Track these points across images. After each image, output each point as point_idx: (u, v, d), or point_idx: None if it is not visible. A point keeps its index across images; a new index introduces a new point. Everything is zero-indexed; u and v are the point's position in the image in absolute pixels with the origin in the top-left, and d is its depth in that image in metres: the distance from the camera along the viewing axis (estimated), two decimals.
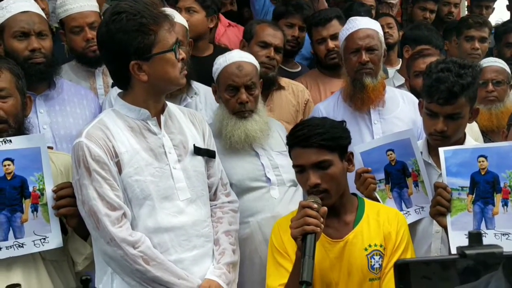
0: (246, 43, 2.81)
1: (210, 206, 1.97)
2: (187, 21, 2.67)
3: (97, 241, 1.76)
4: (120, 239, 1.70)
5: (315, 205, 1.59)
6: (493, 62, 2.96)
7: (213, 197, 2.00)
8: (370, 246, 1.77)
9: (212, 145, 2.01)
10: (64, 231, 1.85)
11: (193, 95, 2.54)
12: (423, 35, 3.27)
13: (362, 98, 2.45)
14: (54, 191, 1.80)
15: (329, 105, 2.59)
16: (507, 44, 3.68)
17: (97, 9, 2.71)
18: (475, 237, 0.83)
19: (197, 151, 1.90)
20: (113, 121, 1.80)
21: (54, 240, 1.80)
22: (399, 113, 2.49)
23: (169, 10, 1.94)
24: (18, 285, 1.11)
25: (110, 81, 2.65)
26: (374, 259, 1.76)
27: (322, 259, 1.75)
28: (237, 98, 2.27)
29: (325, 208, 1.61)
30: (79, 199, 1.74)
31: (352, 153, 1.87)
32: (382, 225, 1.80)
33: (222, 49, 3.01)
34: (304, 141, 1.75)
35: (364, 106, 2.47)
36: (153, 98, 1.82)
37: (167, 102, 1.93)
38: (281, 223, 1.86)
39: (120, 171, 1.75)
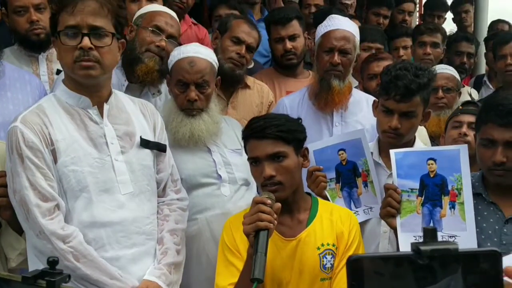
0: (220, 35, 2.72)
1: (158, 203, 1.89)
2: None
3: (27, 233, 1.66)
4: (50, 232, 1.60)
5: (269, 201, 1.57)
6: (444, 69, 3.04)
7: (162, 193, 1.92)
8: (322, 245, 1.76)
9: (164, 138, 1.93)
10: None
11: (156, 92, 2.44)
12: (366, 33, 3.26)
13: (326, 98, 2.44)
14: None
15: (294, 100, 2.57)
16: (456, 52, 3.81)
17: None
18: (430, 233, 0.81)
19: (145, 143, 1.81)
20: (53, 107, 1.70)
21: None
22: (361, 117, 2.49)
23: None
24: None
25: (55, 67, 2.53)
26: (326, 258, 1.75)
27: (274, 257, 1.72)
28: (186, 95, 2.18)
29: (279, 204, 1.59)
30: (11, 187, 1.64)
31: (307, 149, 1.86)
32: (335, 224, 1.80)
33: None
34: (260, 132, 1.73)
35: (327, 107, 2.46)
36: (83, 85, 1.71)
37: (116, 91, 1.84)
38: (233, 221, 1.82)
39: (55, 159, 1.65)
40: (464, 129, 2.37)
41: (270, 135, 1.72)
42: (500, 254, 0.75)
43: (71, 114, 1.71)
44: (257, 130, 1.74)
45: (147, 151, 1.83)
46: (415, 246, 0.77)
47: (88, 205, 1.68)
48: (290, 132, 1.75)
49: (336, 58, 2.39)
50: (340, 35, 2.41)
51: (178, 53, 2.24)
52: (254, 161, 1.76)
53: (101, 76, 1.69)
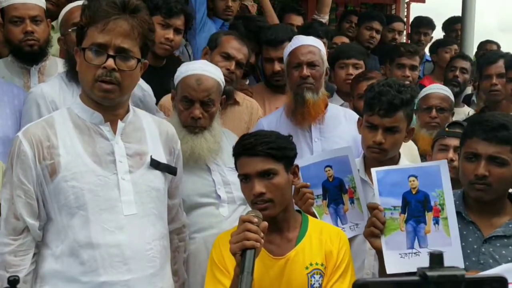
0: (209, 51, 2.73)
1: (170, 230, 1.87)
2: (172, 40, 2.81)
3: None
4: (1, 252, 1.61)
5: (256, 220, 1.54)
6: (439, 89, 3.07)
7: (174, 219, 1.92)
8: (311, 264, 1.74)
9: (179, 165, 1.89)
10: None
11: None
12: (346, 49, 3.31)
13: (303, 113, 2.47)
14: None
15: (272, 120, 2.59)
16: (451, 68, 3.94)
17: (43, 5, 2.59)
18: (436, 259, 0.80)
19: (155, 164, 1.74)
20: (62, 119, 1.67)
21: None
22: (340, 132, 2.51)
23: None
24: None
25: (47, 80, 2.50)
26: (314, 278, 1.73)
27: (262, 276, 1.70)
28: (190, 112, 2.16)
29: (266, 223, 1.56)
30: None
31: (297, 167, 1.85)
32: (324, 243, 1.78)
33: (174, 59, 3.02)
34: (250, 149, 1.73)
35: (305, 121, 2.49)
36: (97, 102, 1.66)
37: (137, 109, 1.81)
38: (222, 238, 1.79)
39: (54, 173, 1.61)
40: (451, 154, 2.42)
41: (260, 152, 1.71)
42: (507, 281, 0.74)
43: (80, 129, 1.66)
44: (247, 147, 1.74)
45: (158, 173, 1.75)
46: (421, 271, 0.76)
47: (85, 224, 1.62)
48: (281, 149, 1.75)
49: (305, 71, 2.46)
50: (306, 50, 2.49)
51: (185, 69, 2.22)
52: (244, 178, 1.75)
53: (119, 98, 1.65)
